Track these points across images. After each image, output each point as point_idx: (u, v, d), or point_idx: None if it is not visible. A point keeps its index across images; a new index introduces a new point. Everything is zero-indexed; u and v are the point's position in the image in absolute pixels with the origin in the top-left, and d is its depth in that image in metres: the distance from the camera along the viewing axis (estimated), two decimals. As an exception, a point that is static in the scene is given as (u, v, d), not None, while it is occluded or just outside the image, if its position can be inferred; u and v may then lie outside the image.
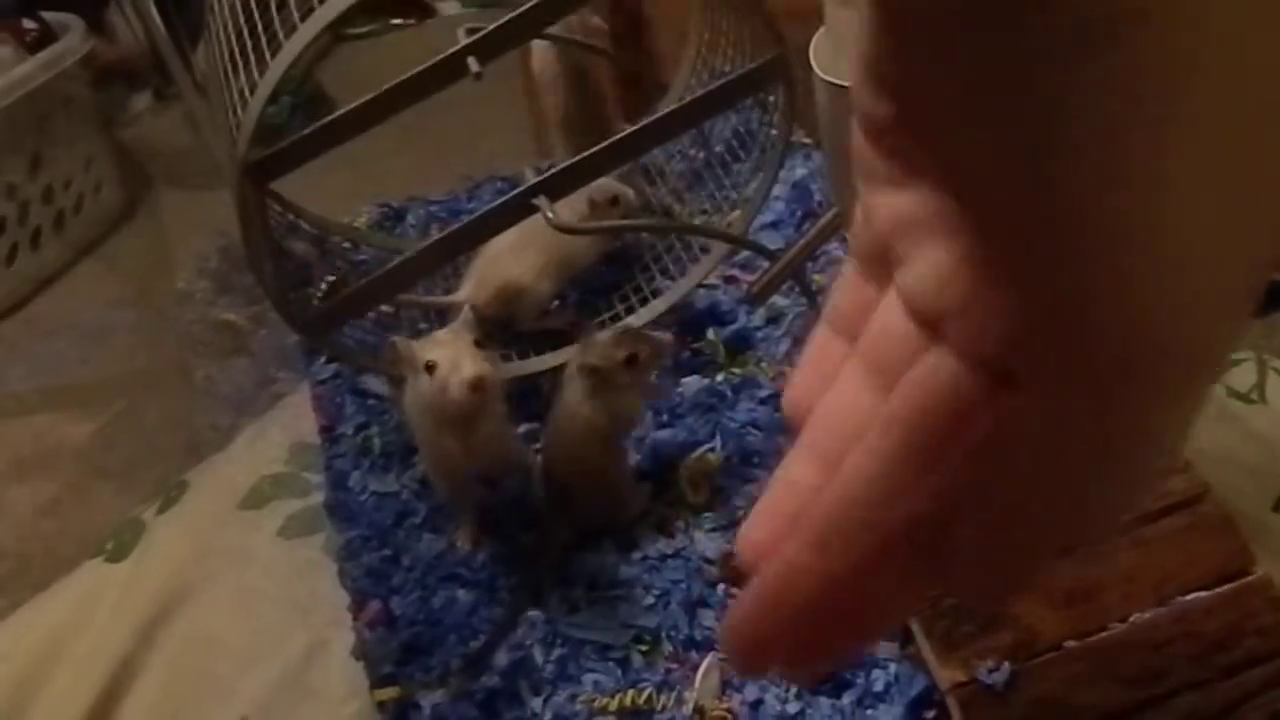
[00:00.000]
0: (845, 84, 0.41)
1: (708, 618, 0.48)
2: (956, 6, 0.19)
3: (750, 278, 0.59)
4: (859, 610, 0.25)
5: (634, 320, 0.59)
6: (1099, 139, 0.18)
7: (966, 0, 0.19)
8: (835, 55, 0.42)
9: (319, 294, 0.61)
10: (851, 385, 0.27)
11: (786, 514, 0.26)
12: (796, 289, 0.58)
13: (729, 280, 0.64)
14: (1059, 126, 0.19)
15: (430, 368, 0.47)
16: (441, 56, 0.47)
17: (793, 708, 0.45)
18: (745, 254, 0.62)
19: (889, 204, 0.25)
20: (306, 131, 0.48)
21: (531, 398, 0.60)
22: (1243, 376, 0.57)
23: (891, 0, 0.22)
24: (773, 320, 0.62)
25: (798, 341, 0.60)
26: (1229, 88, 0.18)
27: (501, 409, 0.51)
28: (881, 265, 0.26)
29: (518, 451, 0.55)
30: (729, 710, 0.45)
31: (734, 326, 0.61)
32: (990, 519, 0.24)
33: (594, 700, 0.46)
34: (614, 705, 0.45)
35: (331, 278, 0.58)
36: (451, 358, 0.47)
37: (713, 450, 0.55)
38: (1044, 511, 0.24)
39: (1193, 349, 0.21)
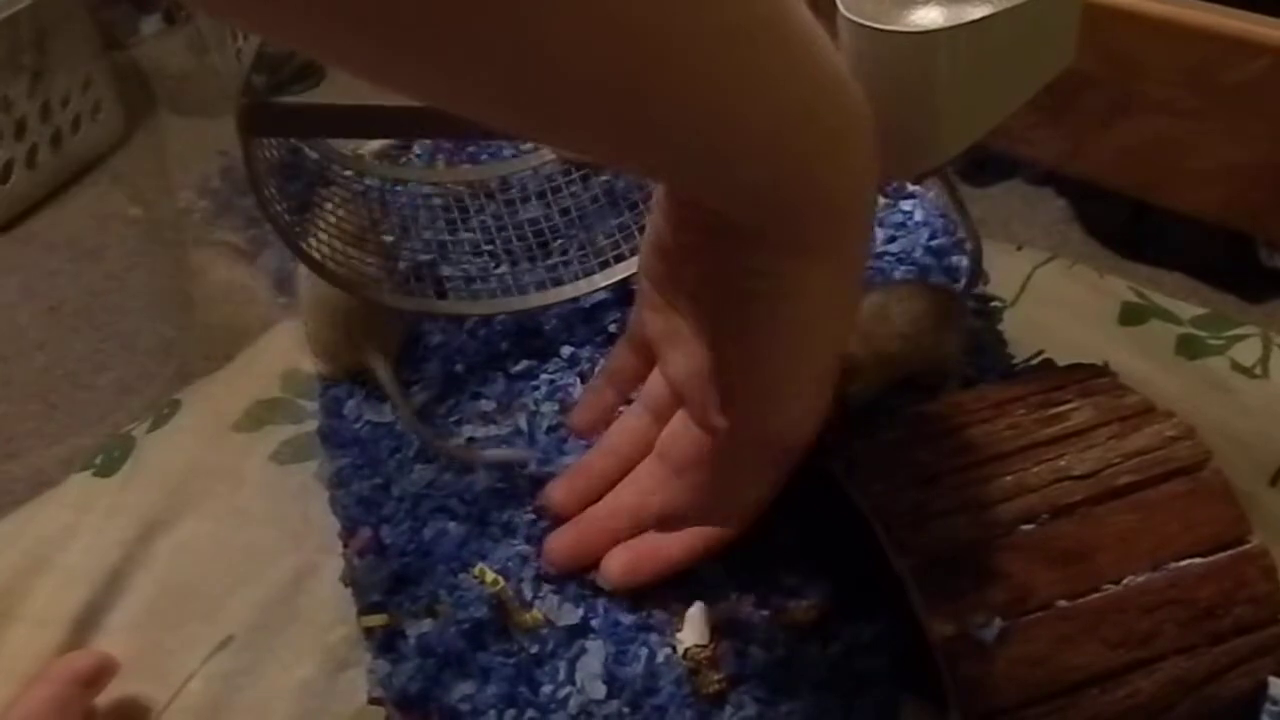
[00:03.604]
0: (870, 24, 0.40)
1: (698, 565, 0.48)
2: (706, 230, 0.37)
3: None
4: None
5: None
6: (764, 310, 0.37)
7: (711, 232, 0.36)
8: (862, -5, 0.41)
9: (324, 221, 0.60)
10: (635, 416, 0.50)
11: (584, 484, 0.49)
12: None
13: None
14: (750, 301, 0.37)
15: None
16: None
17: (778, 653, 0.45)
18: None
19: (653, 320, 0.45)
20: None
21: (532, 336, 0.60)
22: (1247, 351, 0.57)
23: (678, 211, 0.40)
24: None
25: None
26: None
27: None
28: (644, 349, 0.47)
29: None
30: (714, 654, 0.45)
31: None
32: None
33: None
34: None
35: (338, 201, 0.57)
36: None
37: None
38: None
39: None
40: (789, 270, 0.35)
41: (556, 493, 0.50)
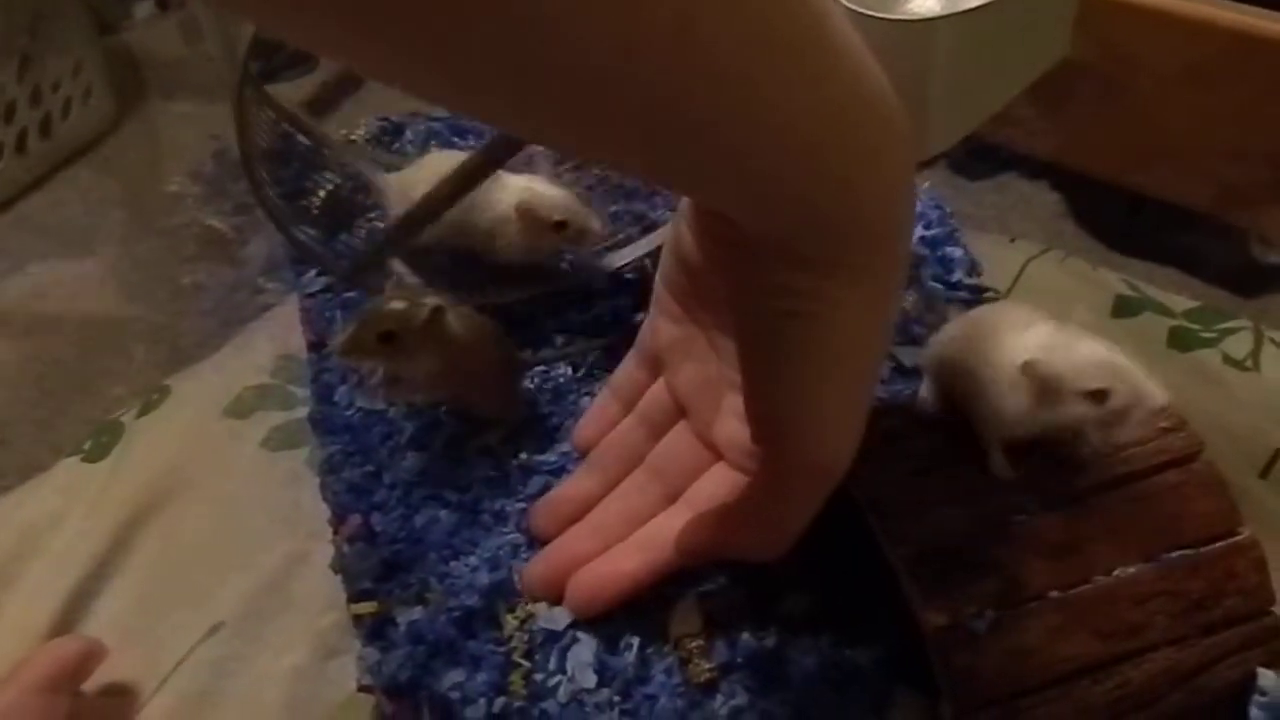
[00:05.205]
0: (866, 11, 0.40)
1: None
2: (728, 244, 0.34)
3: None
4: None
5: (632, 251, 0.59)
6: (786, 328, 0.35)
7: (741, 247, 0.34)
8: (859, -17, 0.41)
9: (316, 207, 0.60)
10: (628, 429, 0.49)
11: (568, 507, 0.48)
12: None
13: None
14: (769, 315, 0.35)
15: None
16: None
17: (770, 642, 0.45)
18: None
19: (668, 329, 0.47)
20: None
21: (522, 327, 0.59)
22: (1239, 344, 0.57)
23: (705, 222, 0.41)
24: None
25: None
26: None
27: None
28: (653, 362, 0.48)
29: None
30: (705, 644, 0.45)
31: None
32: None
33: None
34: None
35: (329, 187, 0.57)
36: None
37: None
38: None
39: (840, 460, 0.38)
40: (823, 291, 0.33)
41: (539, 518, 0.49)
